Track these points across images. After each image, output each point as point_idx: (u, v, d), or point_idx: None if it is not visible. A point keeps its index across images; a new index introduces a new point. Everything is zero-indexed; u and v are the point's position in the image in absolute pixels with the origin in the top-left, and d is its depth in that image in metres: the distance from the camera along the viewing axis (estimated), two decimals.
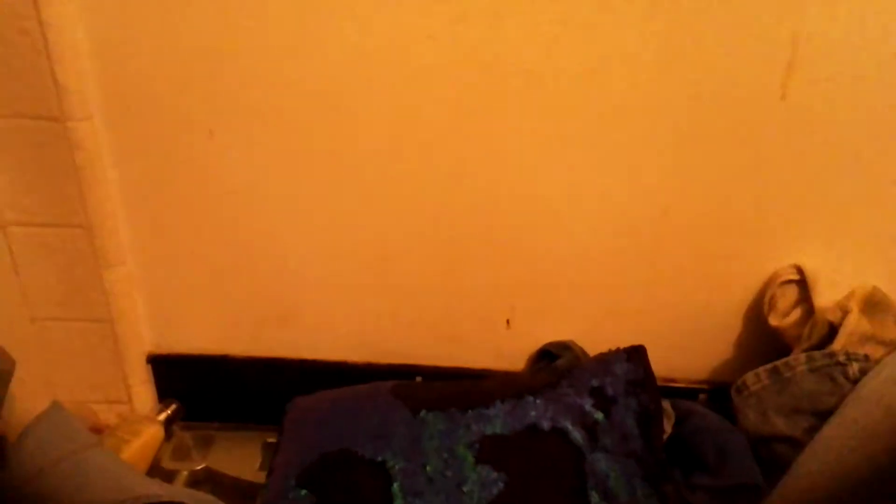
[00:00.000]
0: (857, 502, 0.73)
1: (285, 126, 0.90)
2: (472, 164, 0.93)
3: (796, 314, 0.92)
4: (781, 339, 0.94)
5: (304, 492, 0.76)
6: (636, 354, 0.87)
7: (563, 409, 0.82)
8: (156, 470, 0.99)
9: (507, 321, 1.04)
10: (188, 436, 1.05)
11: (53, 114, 0.84)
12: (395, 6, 0.83)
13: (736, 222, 0.95)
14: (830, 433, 0.77)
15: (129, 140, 0.91)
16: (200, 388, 1.08)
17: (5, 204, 0.90)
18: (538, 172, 0.93)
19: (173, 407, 1.06)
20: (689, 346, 1.03)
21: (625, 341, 0.91)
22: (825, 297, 0.89)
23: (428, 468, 0.76)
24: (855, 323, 0.85)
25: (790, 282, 0.94)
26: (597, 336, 0.99)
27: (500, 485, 0.75)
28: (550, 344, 1.03)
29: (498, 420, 0.81)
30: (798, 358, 0.86)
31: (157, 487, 0.84)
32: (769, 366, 0.89)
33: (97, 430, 0.99)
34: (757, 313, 0.98)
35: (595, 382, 0.85)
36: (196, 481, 0.99)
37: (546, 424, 0.81)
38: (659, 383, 0.87)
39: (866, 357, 0.83)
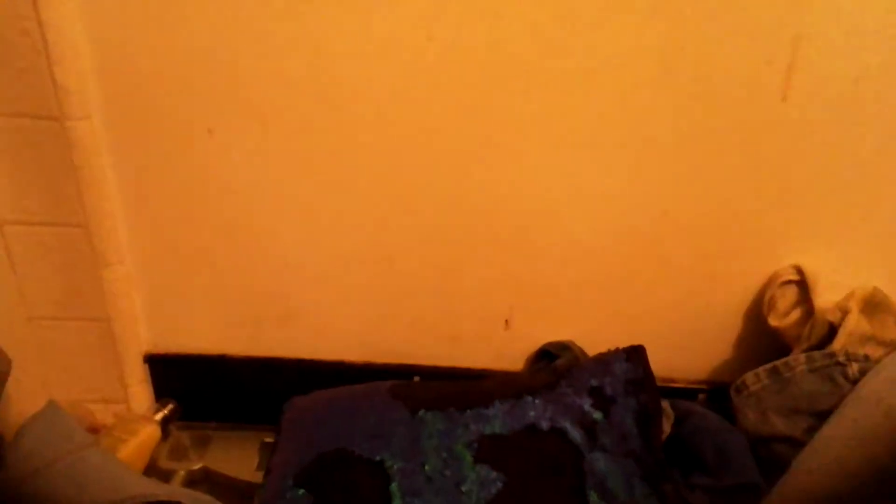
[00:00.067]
0: (857, 502, 0.72)
1: (285, 126, 0.90)
2: (471, 163, 0.93)
3: (796, 314, 0.92)
4: (781, 339, 0.94)
5: (301, 491, 0.76)
6: (635, 354, 0.87)
7: (562, 409, 0.82)
8: (153, 469, 0.98)
9: (506, 321, 1.04)
10: (185, 435, 1.05)
11: (52, 113, 0.84)
12: (394, 5, 0.83)
13: (736, 222, 0.95)
14: (830, 433, 0.77)
15: (128, 139, 0.91)
16: (198, 388, 1.08)
17: (3, 203, 0.89)
18: (538, 172, 0.93)
19: (170, 407, 1.05)
20: (688, 346, 1.03)
21: (624, 341, 0.91)
22: (825, 298, 0.89)
23: (426, 468, 0.76)
24: (855, 323, 0.85)
25: (790, 282, 0.94)
26: (596, 336, 0.99)
27: (499, 484, 0.75)
28: (549, 344, 1.03)
29: (497, 420, 0.81)
30: (798, 358, 0.86)
31: (154, 487, 0.84)
32: (769, 366, 0.89)
33: (94, 429, 0.99)
34: (757, 313, 0.98)
35: (594, 382, 0.85)
36: (193, 481, 0.98)
37: (545, 424, 0.81)
38: (658, 383, 0.87)
39: (866, 357, 0.83)
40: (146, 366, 1.05)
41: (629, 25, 0.84)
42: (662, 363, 0.92)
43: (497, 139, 0.91)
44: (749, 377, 0.90)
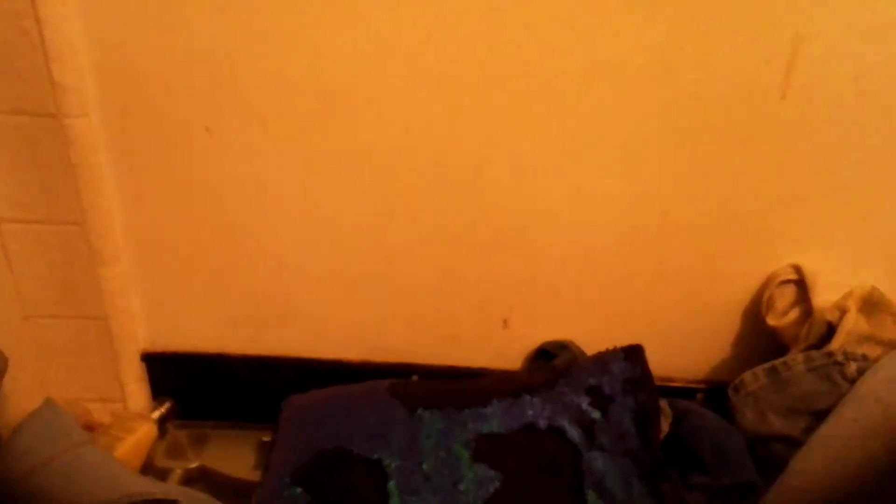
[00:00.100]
0: (855, 501, 0.72)
1: (284, 125, 0.90)
2: (470, 163, 0.92)
3: (794, 314, 0.92)
4: (779, 338, 0.94)
5: (299, 490, 0.75)
6: (634, 354, 0.87)
7: (561, 408, 0.82)
8: (150, 468, 0.98)
9: (505, 321, 1.04)
10: (183, 434, 1.05)
11: (50, 110, 0.84)
12: (394, 4, 0.83)
13: (735, 222, 0.95)
14: (828, 432, 0.77)
15: (126, 137, 0.91)
16: (195, 387, 1.08)
17: (0, 200, 0.89)
18: (536, 171, 0.93)
19: (167, 405, 1.05)
20: (686, 345, 1.03)
21: (623, 341, 0.91)
22: (823, 297, 0.89)
23: (424, 466, 0.76)
24: (853, 323, 0.85)
25: (788, 281, 0.94)
26: (595, 335, 0.99)
27: (497, 483, 0.75)
28: (548, 343, 1.03)
29: (495, 419, 0.81)
30: (796, 357, 0.86)
31: (150, 485, 0.83)
32: (767, 365, 0.89)
33: (91, 427, 0.98)
34: (755, 313, 0.98)
35: (592, 381, 0.85)
36: (190, 479, 0.98)
37: (543, 423, 0.80)
38: (656, 382, 0.87)
39: (864, 357, 0.83)
40: (143, 364, 1.05)
41: (629, 25, 0.83)
42: (661, 362, 0.92)
43: (496, 139, 0.91)
44: (747, 376, 0.90)
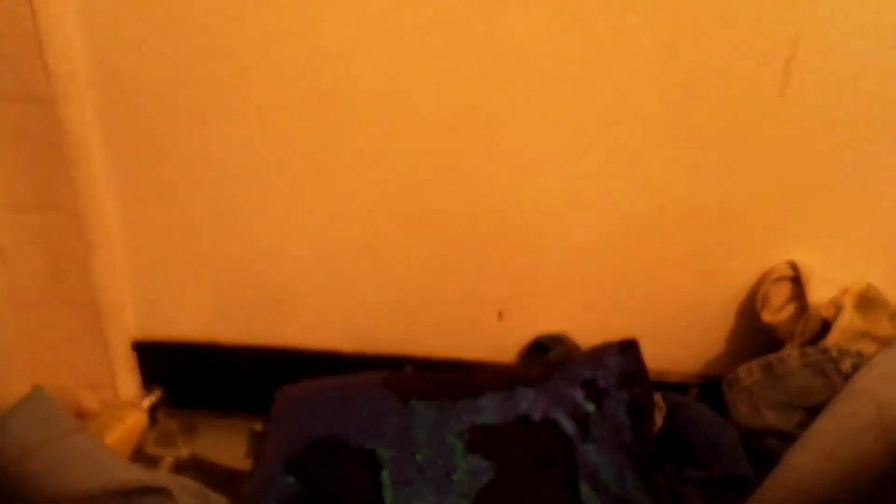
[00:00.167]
0: (847, 496, 0.72)
1: (278, 113, 0.90)
2: (467, 155, 0.92)
3: (789, 310, 0.92)
4: (774, 334, 0.94)
5: (291, 479, 0.75)
6: (629, 348, 0.87)
7: (555, 401, 0.82)
8: (140, 456, 0.98)
9: (500, 313, 1.03)
10: (173, 422, 1.04)
11: (41, 96, 0.83)
12: None
13: (731, 218, 0.95)
14: (821, 427, 0.77)
15: (118, 123, 0.90)
16: (186, 376, 1.07)
17: None
18: (533, 165, 0.93)
19: (158, 393, 1.05)
20: (681, 340, 1.03)
21: (617, 335, 0.91)
22: (819, 294, 0.89)
23: (418, 457, 0.76)
24: (848, 319, 0.85)
25: (784, 278, 0.94)
26: (590, 329, 0.99)
27: (490, 474, 0.75)
28: (542, 337, 1.03)
29: (489, 410, 0.81)
30: (791, 353, 0.86)
31: (141, 473, 0.83)
32: (762, 360, 0.89)
33: (80, 415, 0.98)
34: (750, 309, 0.98)
35: (587, 375, 0.85)
36: (181, 468, 0.98)
37: (537, 415, 0.80)
38: (651, 377, 0.87)
39: (859, 353, 0.83)
40: (134, 352, 1.05)
41: (628, 21, 0.83)
42: (655, 357, 0.92)
43: (493, 132, 0.90)
44: (742, 371, 0.90)
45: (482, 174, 0.93)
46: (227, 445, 1.01)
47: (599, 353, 0.88)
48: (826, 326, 0.87)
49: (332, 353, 1.05)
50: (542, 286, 1.01)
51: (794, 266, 0.94)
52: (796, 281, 0.93)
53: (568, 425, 0.79)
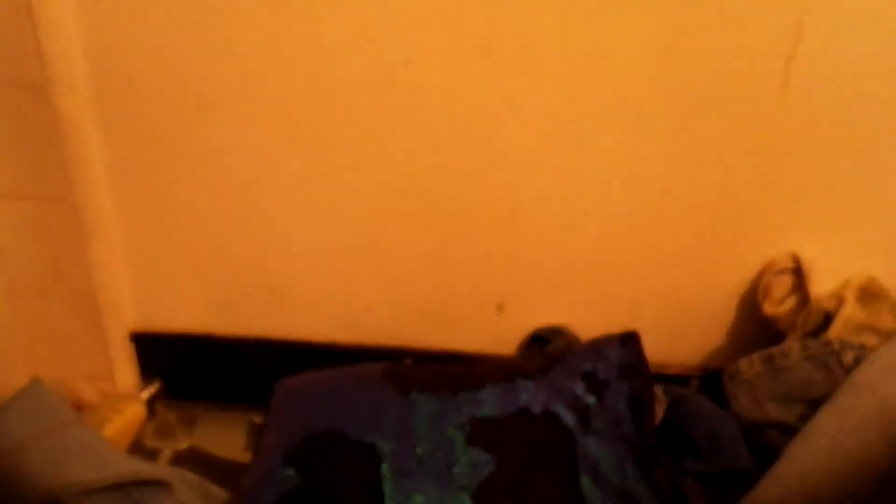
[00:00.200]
0: (848, 490, 0.72)
1: (275, 102, 0.89)
2: (467, 147, 0.92)
3: (791, 302, 0.92)
4: (775, 327, 0.94)
5: (290, 472, 0.75)
6: (629, 340, 0.87)
7: (555, 393, 0.81)
8: (139, 448, 0.98)
9: (499, 305, 1.03)
10: (172, 414, 1.04)
11: (36, 82, 0.83)
12: None
13: (733, 210, 0.95)
14: (823, 420, 0.77)
15: (114, 111, 0.90)
16: (184, 367, 1.07)
17: None
18: (533, 158, 0.92)
19: (156, 385, 1.04)
20: (682, 332, 1.03)
21: (618, 327, 0.91)
22: (821, 286, 0.89)
23: (418, 450, 0.76)
24: (850, 312, 0.85)
25: (785, 270, 0.93)
26: (590, 321, 0.99)
27: (491, 467, 0.74)
28: (542, 329, 1.02)
29: (489, 403, 0.81)
30: (793, 345, 0.86)
31: (140, 466, 0.83)
32: (763, 352, 0.89)
33: (78, 407, 0.98)
34: (751, 300, 0.98)
35: (588, 367, 0.84)
36: (180, 460, 0.97)
37: (537, 408, 0.80)
38: (651, 369, 0.87)
39: (861, 346, 0.83)
40: (132, 343, 1.04)
41: (629, 14, 0.83)
42: (656, 349, 0.91)
43: (492, 124, 0.90)
44: (743, 364, 0.90)
45: (482, 165, 0.93)
46: (227, 438, 1.00)
47: (600, 346, 0.88)
48: (828, 319, 0.87)
49: (331, 346, 1.05)
50: (542, 278, 1.01)
51: (795, 258, 0.93)
52: (798, 273, 0.93)
53: (568, 418, 0.79)
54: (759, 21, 0.83)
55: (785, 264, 0.93)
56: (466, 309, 1.03)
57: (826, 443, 0.76)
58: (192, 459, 0.98)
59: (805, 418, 0.80)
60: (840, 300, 0.87)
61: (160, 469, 0.88)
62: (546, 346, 0.99)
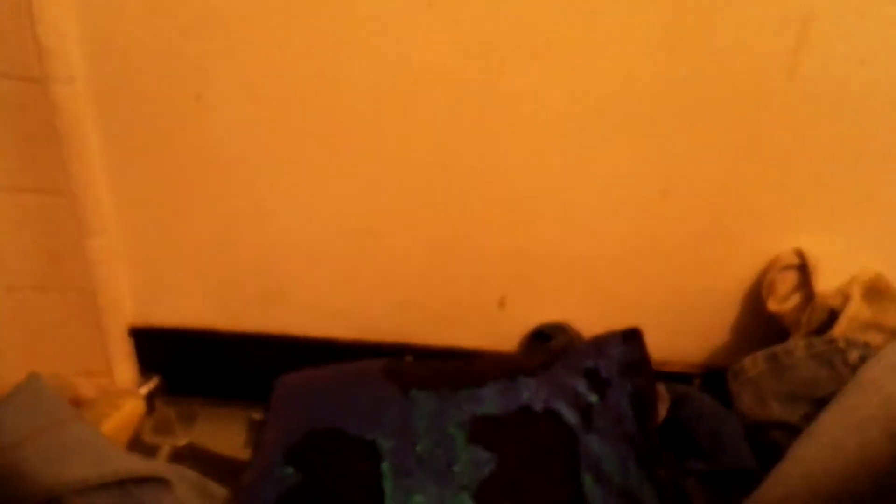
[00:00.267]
0: (853, 489, 0.72)
1: (275, 95, 0.88)
2: (467, 140, 0.91)
3: (795, 299, 0.91)
4: (779, 324, 0.93)
5: (290, 470, 0.74)
6: (632, 337, 0.86)
7: (557, 391, 0.81)
8: (138, 444, 0.98)
9: (501, 301, 1.02)
10: (171, 411, 1.04)
11: (34, 75, 0.82)
12: None
13: (737, 204, 0.94)
14: (828, 420, 0.77)
15: (113, 104, 0.89)
16: (184, 363, 1.06)
17: None
18: (535, 150, 0.91)
19: (155, 381, 1.04)
20: (684, 328, 1.02)
21: (620, 323, 0.90)
22: (826, 283, 0.88)
23: (418, 448, 0.75)
24: (856, 309, 0.84)
25: (790, 266, 0.93)
26: (592, 317, 0.99)
27: (492, 465, 0.74)
28: (544, 325, 1.02)
29: (490, 400, 0.80)
30: (797, 343, 0.86)
31: (139, 463, 0.83)
32: (768, 351, 0.88)
33: (76, 403, 0.98)
34: (755, 297, 0.97)
35: (590, 364, 0.84)
36: (179, 457, 0.97)
37: (539, 406, 0.80)
38: (654, 366, 0.86)
39: (866, 344, 0.82)
40: (131, 339, 1.04)
41: (635, 1, 0.81)
42: (658, 346, 0.91)
43: (493, 113, 0.89)
44: (747, 362, 0.89)
45: (483, 161, 0.92)
46: (226, 434, 1.00)
47: (602, 342, 0.87)
48: (833, 316, 0.86)
49: (331, 341, 1.04)
50: (544, 274, 1.00)
51: (800, 254, 0.92)
52: (803, 269, 0.92)
53: (570, 416, 0.79)
54: (766, 11, 0.82)
55: (790, 260, 0.93)
56: (467, 305, 1.03)
57: (828, 441, 0.75)
58: (191, 456, 0.97)
59: (809, 417, 0.79)
60: (846, 297, 0.86)
61: (159, 466, 0.87)
62: (547, 342, 0.99)
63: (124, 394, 1.00)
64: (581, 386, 0.82)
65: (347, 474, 0.73)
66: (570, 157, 0.92)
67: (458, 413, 0.79)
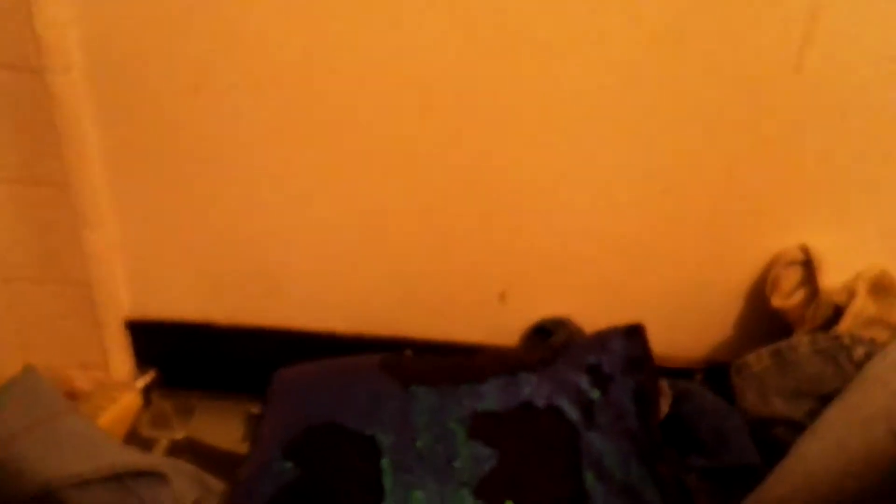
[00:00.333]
0: (857, 487, 0.71)
1: (274, 87, 0.87)
2: (468, 133, 0.90)
3: (800, 295, 0.91)
4: (783, 320, 0.93)
5: (289, 464, 0.74)
6: (634, 333, 0.85)
7: (559, 387, 0.80)
8: (135, 438, 0.97)
9: (501, 295, 1.02)
10: (168, 404, 1.04)
11: (31, 65, 0.81)
12: None
13: (742, 199, 0.93)
14: (832, 416, 0.77)
15: (111, 95, 0.88)
16: (180, 356, 1.06)
17: None
18: (537, 144, 0.91)
19: (152, 374, 1.04)
20: (687, 324, 1.02)
21: (622, 318, 0.90)
22: (831, 279, 0.88)
23: (418, 443, 0.75)
24: (861, 305, 0.84)
25: (795, 262, 0.92)
26: (593, 312, 0.98)
27: (493, 461, 0.73)
28: (545, 320, 1.01)
29: (491, 396, 0.80)
30: (801, 339, 0.85)
31: (136, 456, 0.83)
32: (772, 347, 0.88)
33: (72, 396, 0.97)
34: (759, 293, 0.96)
35: (592, 360, 0.83)
36: (176, 450, 0.97)
37: (541, 402, 0.79)
38: (656, 361, 0.85)
39: (872, 341, 0.82)
40: (127, 332, 1.03)
41: None
42: (659, 340, 0.90)
43: (495, 108, 0.88)
44: (751, 358, 0.89)
45: (485, 154, 0.91)
46: (223, 428, 1.00)
47: (604, 338, 0.87)
48: (838, 313, 0.86)
49: (329, 335, 1.03)
50: (545, 268, 1.00)
51: (805, 250, 0.92)
52: (808, 265, 0.91)
53: (572, 412, 0.78)
54: (773, 5, 0.81)
55: (794, 256, 0.92)
56: (468, 299, 1.02)
57: (833, 439, 0.75)
58: (189, 449, 0.97)
59: (814, 414, 0.79)
60: (851, 293, 0.86)
61: (156, 459, 0.87)
62: (548, 337, 0.98)
63: (121, 387, 1.00)
64: (583, 382, 0.82)
65: (347, 469, 0.73)
66: (573, 151, 0.91)
67: (458, 408, 0.78)
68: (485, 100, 0.88)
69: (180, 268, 1.00)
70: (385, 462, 0.73)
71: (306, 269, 1.00)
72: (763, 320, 0.97)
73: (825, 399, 0.79)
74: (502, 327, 1.03)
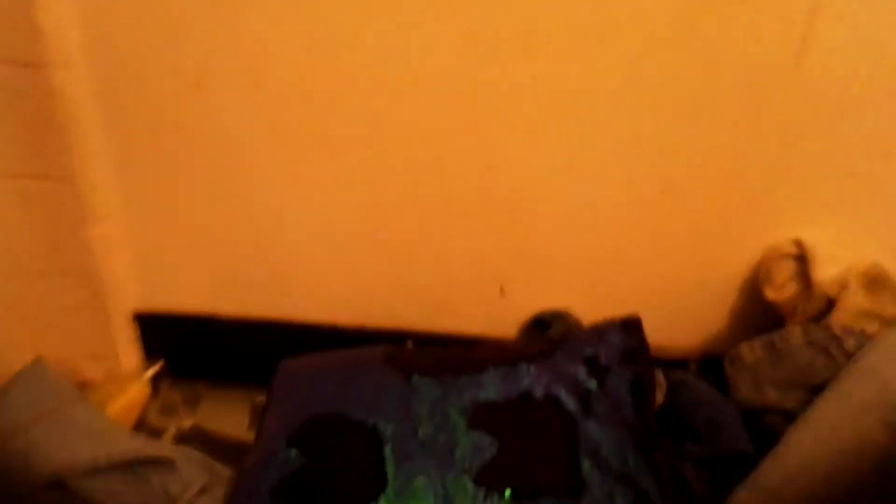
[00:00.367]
0: (848, 475, 0.73)
1: (277, 82, 0.88)
2: (469, 128, 0.91)
3: (793, 287, 0.92)
4: (776, 312, 0.93)
5: (294, 452, 0.75)
6: (631, 325, 0.86)
7: (557, 377, 0.82)
8: (143, 427, 0.99)
9: (501, 288, 1.03)
10: (176, 393, 1.05)
11: (33, 60, 0.82)
12: None
13: (736, 193, 0.94)
14: (824, 406, 0.78)
15: (113, 90, 0.89)
16: (187, 347, 1.07)
17: None
18: (537, 139, 0.91)
19: (159, 364, 1.05)
20: (682, 315, 1.03)
21: (619, 311, 0.90)
22: (824, 271, 0.88)
23: (420, 433, 0.76)
24: (853, 298, 0.84)
25: (788, 255, 0.93)
26: (591, 305, 0.98)
27: (493, 450, 0.75)
28: (544, 312, 1.02)
29: (491, 386, 0.81)
30: (794, 331, 0.86)
31: (144, 444, 0.84)
32: (764, 338, 0.89)
33: (82, 386, 0.98)
34: (753, 285, 0.98)
35: (589, 351, 0.84)
36: (184, 438, 0.98)
37: (539, 392, 0.80)
38: (651, 353, 0.87)
39: (863, 332, 0.82)
40: (135, 323, 1.04)
41: None
42: (654, 331, 0.91)
43: (496, 104, 0.89)
44: (744, 349, 0.90)
45: (485, 148, 0.92)
46: (230, 416, 1.01)
47: (602, 330, 0.88)
48: (830, 305, 0.86)
49: (332, 327, 1.05)
50: (545, 261, 1.01)
51: (798, 243, 0.93)
52: (801, 258, 0.92)
53: (570, 402, 0.79)
54: (773, 2, 0.81)
55: (787, 249, 0.93)
56: (468, 292, 1.03)
57: (826, 428, 0.76)
58: (196, 438, 0.98)
59: (805, 403, 0.80)
60: (843, 286, 0.86)
61: (165, 447, 0.89)
62: (547, 329, 0.99)
63: (129, 377, 1.01)
64: (581, 373, 0.83)
65: (350, 458, 0.74)
66: (572, 147, 0.92)
67: (459, 399, 0.79)
68: (486, 97, 0.88)
69: (186, 261, 1.01)
70: (387, 451, 0.74)
71: (310, 262, 1.01)
72: (757, 313, 0.98)
73: (817, 389, 0.80)
74: (502, 320, 1.04)
